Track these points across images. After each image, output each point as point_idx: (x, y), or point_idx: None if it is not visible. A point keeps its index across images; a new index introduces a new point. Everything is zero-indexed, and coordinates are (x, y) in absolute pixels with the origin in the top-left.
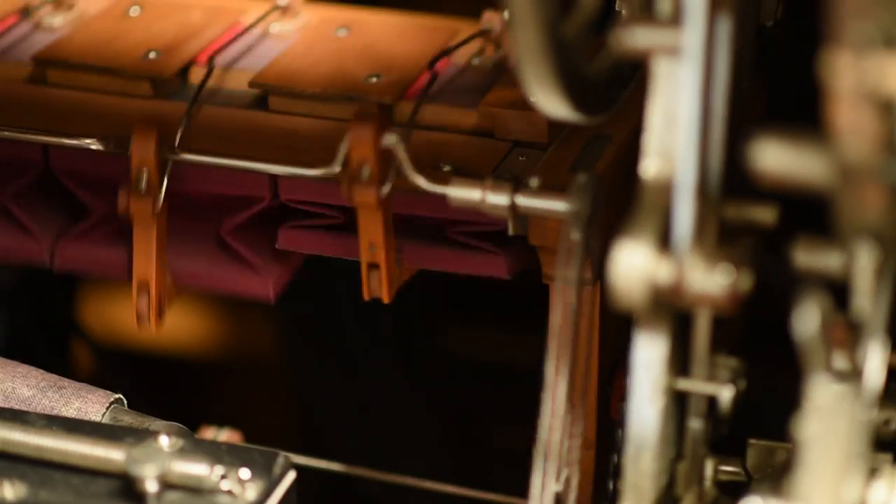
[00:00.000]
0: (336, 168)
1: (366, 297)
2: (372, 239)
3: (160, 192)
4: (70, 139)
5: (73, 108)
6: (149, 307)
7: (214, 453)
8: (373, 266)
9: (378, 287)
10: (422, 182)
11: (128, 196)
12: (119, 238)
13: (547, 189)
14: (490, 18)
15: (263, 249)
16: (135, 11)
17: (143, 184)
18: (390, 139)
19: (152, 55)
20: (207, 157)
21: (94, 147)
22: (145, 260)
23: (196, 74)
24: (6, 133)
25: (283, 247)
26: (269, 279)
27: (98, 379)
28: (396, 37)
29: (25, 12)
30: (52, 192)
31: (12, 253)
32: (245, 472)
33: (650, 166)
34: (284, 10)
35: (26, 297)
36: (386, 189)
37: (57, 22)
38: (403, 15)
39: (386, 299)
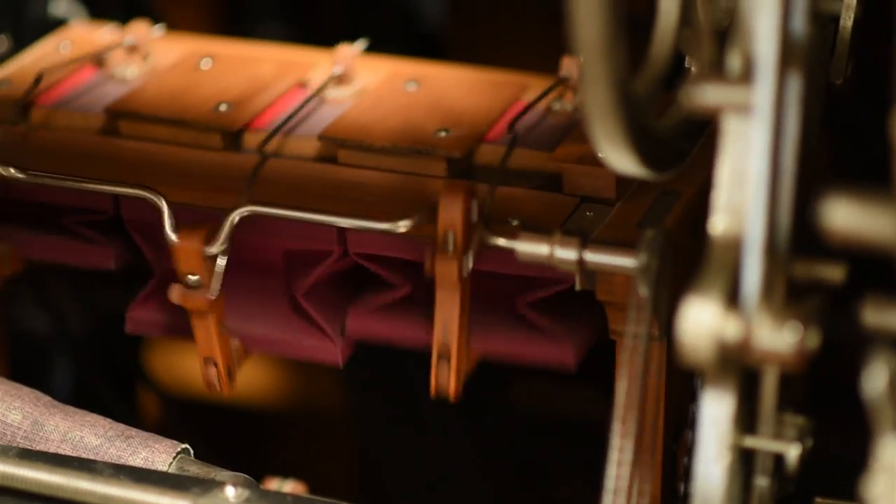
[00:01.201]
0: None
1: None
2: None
3: (210, 289)
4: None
5: (144, 160)
6: (217, 376)
7: None
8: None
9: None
10: (493, 239)
11: (180, 291)
12: None
13: (615, 245)
14: (569, 65)
15: (334, 312)
16: (206, 64)
17: (195, 283)
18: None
19: (223, 108)
20: (277, 210)
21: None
22: (206, 341)
23: (252, 140)
24: (78, 184)
25: (353, 335)
26: (338, 345)
27: (165, 428)
28: (466, 91)
29: (99, 61)
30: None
31: (76, 257)
32: None
33: (719, 223)
34: (340, 79)
35: (95, 347)
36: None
37: (130, 73)
38: (473, 69)
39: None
